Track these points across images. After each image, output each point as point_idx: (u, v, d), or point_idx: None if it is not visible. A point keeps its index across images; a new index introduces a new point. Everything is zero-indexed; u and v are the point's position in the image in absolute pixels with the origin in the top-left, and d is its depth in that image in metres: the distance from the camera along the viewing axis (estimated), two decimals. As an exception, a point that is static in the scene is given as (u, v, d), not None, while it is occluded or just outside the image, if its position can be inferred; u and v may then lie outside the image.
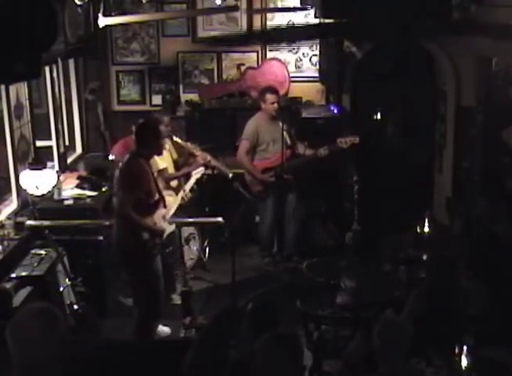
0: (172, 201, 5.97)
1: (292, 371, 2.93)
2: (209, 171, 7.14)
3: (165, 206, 5.63)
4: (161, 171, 6.37)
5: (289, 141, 7.10)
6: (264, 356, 2.92)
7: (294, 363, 2.94)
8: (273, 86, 7.45)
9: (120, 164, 5.79)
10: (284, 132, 6.99)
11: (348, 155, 7.32)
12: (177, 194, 6.19)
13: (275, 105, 7.03)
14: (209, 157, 6.73)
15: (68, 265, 5.58)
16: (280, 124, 6.96)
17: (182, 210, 6.27)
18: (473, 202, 6.75)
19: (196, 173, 6.40)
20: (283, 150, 6.98)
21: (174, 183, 6.67)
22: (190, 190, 6.56)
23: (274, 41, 8.31)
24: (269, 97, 7.03)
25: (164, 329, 5.95)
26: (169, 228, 5.77)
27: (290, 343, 2.99)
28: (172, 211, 5.83)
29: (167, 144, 6.56)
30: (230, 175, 6.80)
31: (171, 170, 6.66)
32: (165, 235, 5.65)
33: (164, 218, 5.59)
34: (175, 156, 6.86)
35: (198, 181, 6.62)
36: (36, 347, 2.47)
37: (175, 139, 6.82)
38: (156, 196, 5.48)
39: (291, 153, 7.15)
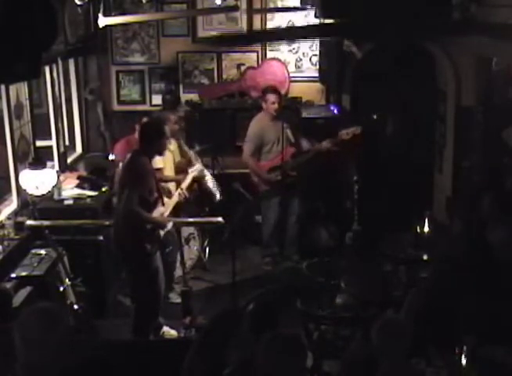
0: (169, 200, 5.96)
1: (294, 372, 2.93)
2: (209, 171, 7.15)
3: (163, 204, 5.66)
4: (156, 171, 6.31)
5: (292, 139, 7.11)
6: (267, 356, 2.92)
7: (297, 363, 2.94)
8: (274, 86, 7.45)
9: (121, 163, 5.81)
10: (288, 130, 7.00)
11: (348, 155, 7.32)
12: (167, 197, 6.12)
13: (276, 105, 7.03)
14: (206, 174, 6.58)
15: (68, 265, 5.59)
16: (281, 123, 6.97)
17: (181, 209, 6.25)
18: (473, 202, 6.74)
19: (193, 171, 6.26)
20: (286, 147, 6.99)
21: (171, 184, 6.52)
22: (190, 190, 6.51)
23: (274, 41, 8.30)
24: (270, 97, 7.04)
25: (170, 331, 5.94)
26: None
27: (293, 344, 2.99)
28: (169, 209, 5.83)
29: (173, 145, 6.55)
30: (218, 197, 6.93)
31: (170, 172, 6.56)
32: (162, 233, 5.66)
33: (162, 216, 5.63)
34: (178, 158, 6.77)
35: (196, 179, 6.55)
36: (41, 346, 2.48)
37: (182, 143, 6.79)
38: (155, 194, 5.54)
39: (294, 150, 7.14)
